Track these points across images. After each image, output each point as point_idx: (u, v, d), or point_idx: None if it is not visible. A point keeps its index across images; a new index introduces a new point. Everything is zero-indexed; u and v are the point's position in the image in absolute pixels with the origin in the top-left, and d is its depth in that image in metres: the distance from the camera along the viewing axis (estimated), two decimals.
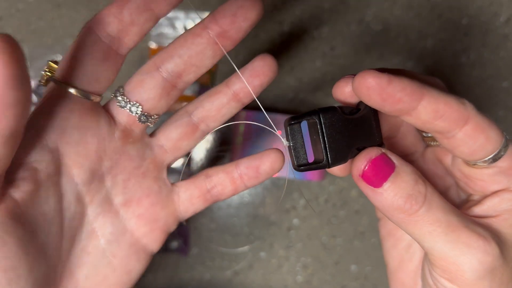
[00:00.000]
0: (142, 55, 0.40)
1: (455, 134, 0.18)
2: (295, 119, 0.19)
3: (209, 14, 0.21)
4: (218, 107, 0.23)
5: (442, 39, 0.40)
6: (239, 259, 0.42)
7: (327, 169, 0.20)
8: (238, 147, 0.35)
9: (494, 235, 0.19)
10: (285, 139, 0.20)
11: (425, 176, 0.20)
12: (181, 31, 0.41)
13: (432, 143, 0.22)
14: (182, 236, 0.41)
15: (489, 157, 0.19)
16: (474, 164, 0.19)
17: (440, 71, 0.41)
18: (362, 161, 0.19)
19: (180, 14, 0.40)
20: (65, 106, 0.20)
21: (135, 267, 0.23)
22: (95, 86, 0.21)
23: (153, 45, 0.40)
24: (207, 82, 0.41)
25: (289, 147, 0.20)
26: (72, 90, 0.20)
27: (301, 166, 0.20)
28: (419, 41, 0.40)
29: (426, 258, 0.20)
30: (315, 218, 0.41)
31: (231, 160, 0.37)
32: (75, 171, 0.20)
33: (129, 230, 0.23)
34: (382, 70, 0.17)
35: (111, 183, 0.22)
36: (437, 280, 0.19)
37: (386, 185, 0.18)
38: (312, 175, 0.35)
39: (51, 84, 0.20)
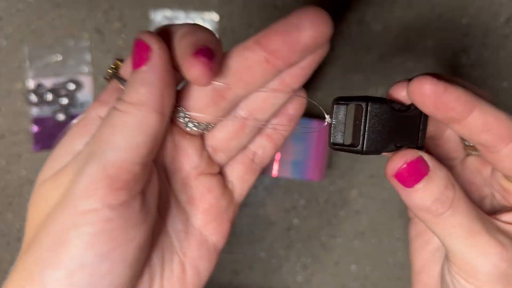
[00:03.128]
0: None
1: (500, 149, 0.19)
2: (343, 100, 0.20)
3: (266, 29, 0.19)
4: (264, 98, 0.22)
5: (442, 39, 0.40)
6: (239, 259, 0.42)
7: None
8: None
9: None
10: (328, 116, 0.20)
11: (462, 183, 0.20)
12: None
13: (473, 153, 0.22)
14: None
15: None
16: None
17: (440, 71, 0.41)
18: (398, 162, 0.19)
19: (180, 14, 0.40)
20: None
21: (205, 267, 0.23)
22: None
23: None
24: None
25: (330, 124, 0.20)
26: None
27: (336, 145, 0.20)
28: (419, 41, 0.40)
29: (446, 256, 0.21)
30: (315, 218, 0.42)
31: None
32: None
33: (197, 228, 0.22)
34: (437, 77, 0.18)
35: (173, 181, 0.22)
36: (454, 277, 0.21)
37: (418, 187, 0.19)
38: (312, 175, 0.35)
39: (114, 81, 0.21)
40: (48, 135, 0.41)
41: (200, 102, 0.20)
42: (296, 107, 0.23)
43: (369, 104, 0.19)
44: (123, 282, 0.18)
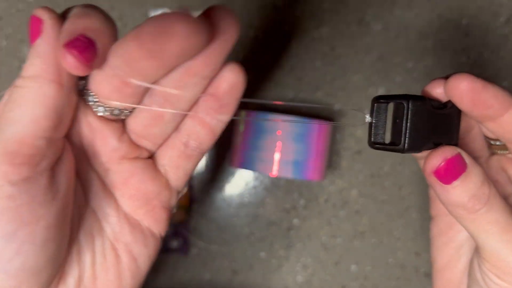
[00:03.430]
0: None
1: None
2: (384, 98, 0.20)
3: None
4: None
5: (442, 39, 0.40)
6: (239, 259, 0.42)
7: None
8: (238, 148, 0.36)
9: None
10: (368, 115, 0.20)
11: None
12: None
13: (499, 152, 0.23)
14: (182, 236, 0.41)
15: None
16: None
17: (440, 71, 0.41)
18: (437, 159, 0.19)
19: None
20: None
21: (142, 252, 0.22)
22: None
23: None
24: None
25: (370, 123, 0.20)
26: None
27: (377, 144, 0.20)
28: (419, 41, 0.40)
29: (477, 253, 0.22)
30: (315, 218, 0.42)
31: (232, 159, 0.37)
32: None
33: (127, 213, 0.22)
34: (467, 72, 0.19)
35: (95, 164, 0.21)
36: (485, 274, 0.21)
37: (455, 183, 0.19)
38: (312, 175, 0.35)
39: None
40: None
41: (104, 88, 0.19)
42: (228, 84, 0.20)
43: (410, 102, 0.19)
44: (38, 265, 0.18)
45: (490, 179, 0.23)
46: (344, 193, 0.41)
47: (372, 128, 0.20)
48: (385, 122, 0.20)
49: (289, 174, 0.34)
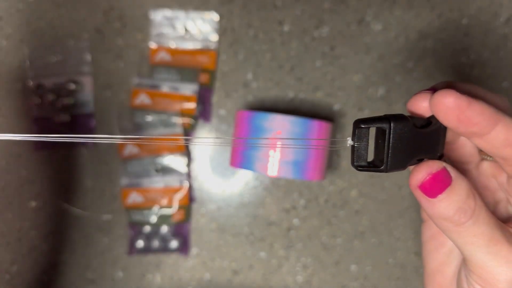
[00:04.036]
0: (143, 56, 0.41)
1: None
2: (365, 123, 0.20)
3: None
4: None
5: (442, 39, 0.40)
6: (239, 259, 0.42)
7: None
8: (238, 148, 0.36)
9: None
10: (349, 138, 0.21)
11: (477, 187, 0.21)
12: (181, 31, 0.41)
13: (488, 158, 0.23)
14: (182, 236, 0.41)
15: None
16: None
17: (440, 71, 0.41)
18: (422, 173, 0.19)
19: (181, 14, 0.40)
20: None
21: None
22: None
23: (153, 45, 0.40)
24: (207, 82, 0.41)
25: (352, 146, 0.20)
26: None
27: (360, 166, 0.20)
28: (419, 41, 0.40)
29: (464, 264, 0.22)
30: (315, 218, 0.41)
31: (232, 159, 0.37)
32: None
33: None
34: (452, 84, 0.18)
35: None
36: (472, 286, 0.21)
37: (441, 197, 0.19)
38: (312, 175, 0.35)
39: None
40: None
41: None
42: None
43: (391, 125, 0.19)
44: None
45: (480, 185, 0.23)
46: (344, 193, 0.41)
47: (355, 151, 0.20)
48: (367, 144, 0.20)
49: (289, 174, 0.34)
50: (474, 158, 0.23)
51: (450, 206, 0.19)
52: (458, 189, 0.19)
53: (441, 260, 0.25)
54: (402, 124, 0.19)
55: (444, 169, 0.19)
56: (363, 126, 0.20)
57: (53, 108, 0.41)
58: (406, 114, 0.20)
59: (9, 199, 0.41)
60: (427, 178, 0.19)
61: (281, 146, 0.33)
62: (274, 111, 0.41)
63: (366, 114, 0.41)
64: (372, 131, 0.20)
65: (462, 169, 0.21)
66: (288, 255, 0.42)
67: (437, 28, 0.40)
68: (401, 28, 0.40)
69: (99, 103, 0.41)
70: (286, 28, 0.41)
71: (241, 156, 0.35)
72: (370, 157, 0.21)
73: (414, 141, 0.20)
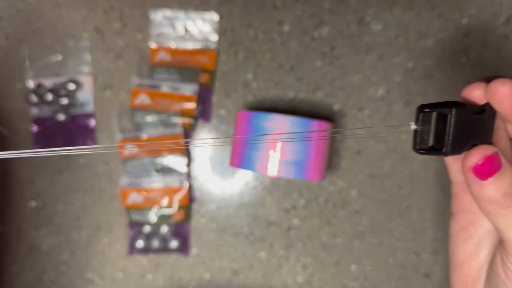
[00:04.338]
0: (143, 56, 0.41)
1: None
2: (429, 107, 0.21)
3: None
4: None
5: (442, 39, 0.40)
6: (239, 259, 0.42)
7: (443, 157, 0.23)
8: (238, 148, 0.36)
9: None
10: (413, 122, 0.22)
11: None
12: (181, 31, 0.41)
13: None
14: (182, 236, 0.41)
15: None
16: None
17: (440, 71, 0.41)
18: (477, 156, 0.21)
19: (180, 14, 0.40)
20: None
21: None
22: None
23: (153, 45, 0.40)
24: (207, 82, 0.41)
25: (415, 130, 0.22)
26: None
27: (422, 150, 0.22)
28: (419, 41, 0.40)
29: (501, 247, 0.23)
30: (315, 218, 0.42)
31: (232, 159, 0.37)
32: None
33: None
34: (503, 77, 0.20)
35: None
36: (508, 268, 0.22)
37: (490, 180, 0.21)
38: (312, 175, 0.35)
39: None
40: (48, 135, 0.41)
41: None
42: None
43: (453, 110, 0.21)
44: None
45: None
46: (344, 193, 0.41)
47: (417, 135, 0.22)
48: (429, 129, 0.22)
49: (289, 174, 0.34)
50: (508, 153, 0.25)
51: (498, 190, 0.21)
52: (507, 174, 0.21)
53: (469, 251, 0.26)
54: (462, 110, 0.21)
55: (496, 153, 0.21)
56: (426, 111, 0.21)
57: (53, 108, 0.41)
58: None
59: (9, 199, 0.41)
60: (481, 161, 0.21)
61: (283, 146, 0.33)
62: (274, 111, 0.41)
63: (366, 114, 0.41)
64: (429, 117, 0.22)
65: None
66: (288, 255, 0.42)
67: (437, 28, 0.40)
68: (401, 28, 0.40)
69: (99, 103, 0.41)
70: (286, 28, 0.41)
71: (241, 156, 0.35)
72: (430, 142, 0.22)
73: (470, 127, 0.21)
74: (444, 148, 0.21)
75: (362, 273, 0.42)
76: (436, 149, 0.22)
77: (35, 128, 0.41)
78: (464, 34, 0.40)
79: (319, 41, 0.41)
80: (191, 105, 0.40)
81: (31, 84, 0.40)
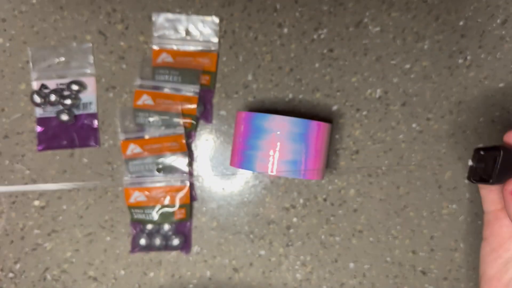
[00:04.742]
0: (145, 57, 0.41)
1: None
2: (484, 150, 0.30)
3: None
4: None
5: (439, 40, 0.41)
6: (239, 257, 0.42)
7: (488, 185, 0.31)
8: (238, 147, 0.36)
9: None
10: (470, 159, 0.32)
11: None
12: (182, 33, 0.41)
13: None
14: (183, 234, 0.42)
15: None
16: None
17: (437, 73, 0.41)
18: None
19: (182, 17, 0.41)
20: None
21: None
22: None
23: (155, 47, 0.41)
24: (208, 83, 0.41)
25: (471, 166, 0.31)
26: None
27: (475, 180, 0.31)
28: (416, 43, 0.41)
29: None
30: (314, 217, 0.42)
31: (232, 159, 0.38)
32: None
33: None
34: None
35: None
36: None
37: None
38: (312, 175, 0.35)
39: None
40: (52, 135, 0.41)
41: None
42: None
43: (501, 153, 0.29)
44: None
45: None
46: (343, 192, 0.42)
47: (473, 169, 0.31)
48: (483, 166, 0.30)
49: (288, 173, 0.34)
50: None
51: None
52: None
53: (498, 269, 0.31)
54: (507, 153, 0.29)
55: None
56: (482, 153, 0.30)
57: (57, 108, 0.41)
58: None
59: (13, 198, 0.42)
60: None
61: (282, 146, 0.34)
62: (273, 111, 0.41)
63: (364, 114, 0.41)
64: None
65: None
66: (287, 253, 0.42)
67: (434, 29, 0.41)
68: (399, 30, 0.41)
69: (102, 103, 0.42)
70: (285, 30, 0.41)
71: (241, 156, 0.35)
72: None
73: (511, 163, 0.29)
74: (491, 180, 0.29)
75: (360, 271, 0.42)
76: (484, 180, 0.30)
77: (38, 129, 0.41)
78: (461, 35, 0.41)
79: (318, 43, 0.41)
80: (193, 106, 0.40)
81: (34, 85, 0.41)
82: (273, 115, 0.34)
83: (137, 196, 0.41)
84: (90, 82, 0.41)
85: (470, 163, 0.31)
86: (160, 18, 0.41)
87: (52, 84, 0.41)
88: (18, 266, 0.42)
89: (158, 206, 0.41)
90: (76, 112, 0.41)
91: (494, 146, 0.29)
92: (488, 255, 0.33)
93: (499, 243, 0.32)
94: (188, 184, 0.41)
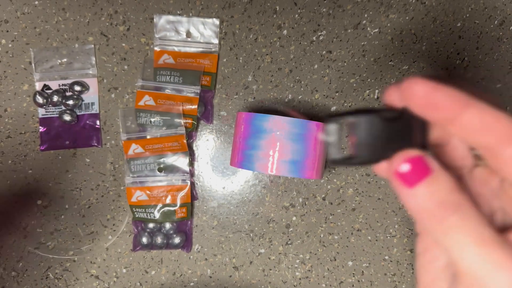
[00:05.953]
0: (146, 58, 0.41)
1: (503, 151, 0.17)
2: (334, 116, 0.20)
3: None
4: None
5: (437, 42, 0.41)
6: (240, 255, 0.42)
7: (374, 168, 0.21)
8: (238, 147, 0.36)
9: None
10: (321, 133, 0.20)
11: (471, 195, 0.20)
12: (183, 35, 0.41)
13: (480, 163, 0.21)
14: (184, 233, 0.42)
15: None
16: None
17: (435, 73, 0.41)
18: (397, 159, 0.18)
19: (183, 19, 0.41)
20: None
21: None
22: None
23: (156, 48, 0.41)
24: (209, 84, 0.41)
25: (325, 142, 0.20)
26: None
27: (334, 161, 0.20)
28: (414, 44, 0.41)
29: (454, 277, 0.20)
30: (313, 215, 0.42)
31: (232, 159, 0.38)
32: None
33: None
34: (431, 78, 0.17)
35: None
36: None
37: (420, 187, 0.18)
38: (311, 174, 0.35)
39: None
40: (54, 135, 0.41)
41: None
42: None
43: (359, 118, 0.19)
44: None
45: (474, 192, 0.21)
46: (341, 191, 0.42)
47: (328, 146, 0.20)
48: (339, 139, 0.20)
49: (287, 173, 0.34)
50: (467, 163, 0.22)
51: (431, 198, 0.17)
52: (440, 181, 0.18)
53: (435, 274, 0.22)
54: (370, 117, 0.19)
55: (422, 157, 0.18)
56: (332, 120, 0.20)
57: (59, 109, 0.41)
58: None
59: (15, 197, 0.42)
60: (403, 164, 0.18)
61: (282, 146, 0.34)
62: (273, 112, 0.41)
63: None
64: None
65: (455, 174, 0.19)
66: (287, 252, 0.42)
67: (432, 31, 0.41)
68: (397, 32, 0.41)
69: (104, 104, 0.42)
70: (285, 32, 0.41)
71: (241, 155, 0.35)
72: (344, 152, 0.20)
73: (386, 133, 0.19)
74: (356, 159, 0.19)
75: (358, 269, 0.42)
76: (350, 159, 0.19)
77: (41, 129, 0.41)
78: (459, 37, 0.41)
79: (317, 45, 0.41)
80: (193, 107, 0.41)
81: (37, 85, 0.41)
82: (273, 115, 0.34)
83: (138, 195, 0.41)
84: (92, 83, 0.41)
85: (321, 137, 0.21)
86: (162, 20, 0.41)
87: (54, 84, 0.41)
88: (20, 264, 0.42)
89: (159, 205, 0.41)
90: (79, 112, 0.41)
91: (348, 111, 0.20)
92: (423, 255, 0.23)
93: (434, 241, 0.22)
94: (189, 183, 0.41)
